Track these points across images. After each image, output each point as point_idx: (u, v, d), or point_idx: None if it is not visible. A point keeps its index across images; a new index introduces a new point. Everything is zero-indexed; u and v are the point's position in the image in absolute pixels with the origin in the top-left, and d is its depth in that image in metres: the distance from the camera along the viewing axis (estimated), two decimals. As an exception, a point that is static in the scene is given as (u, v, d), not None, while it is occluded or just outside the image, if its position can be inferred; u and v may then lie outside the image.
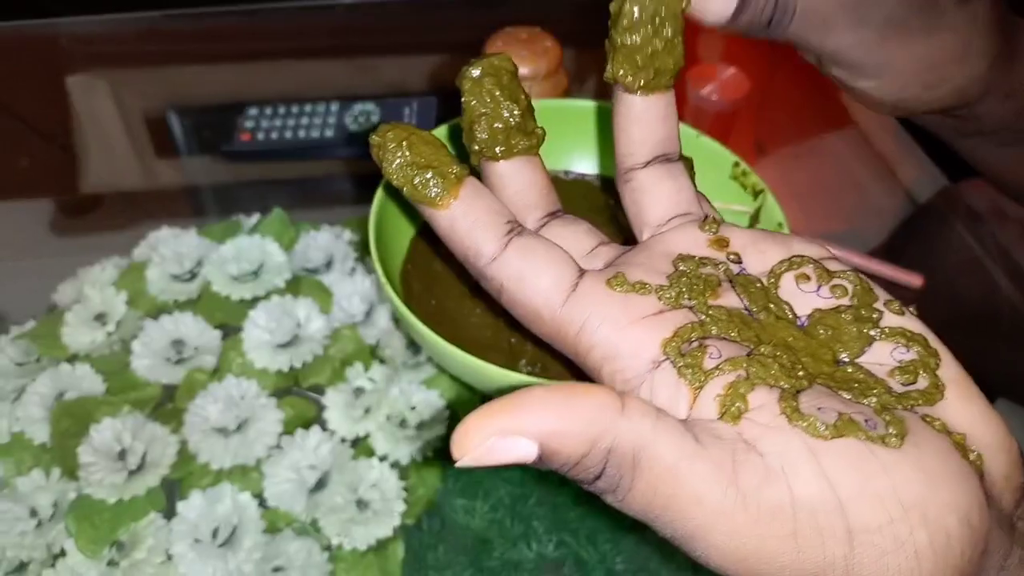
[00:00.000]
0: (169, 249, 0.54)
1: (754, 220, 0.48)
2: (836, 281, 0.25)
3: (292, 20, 0.86)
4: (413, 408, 0.48)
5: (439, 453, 0.47)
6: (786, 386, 0.22)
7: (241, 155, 0.67)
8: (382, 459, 0.46)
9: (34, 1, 0.86)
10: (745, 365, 0.22)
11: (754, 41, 0.38)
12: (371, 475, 0.45)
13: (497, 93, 0.27)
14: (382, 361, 0.51)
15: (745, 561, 0.20)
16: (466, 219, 0.25)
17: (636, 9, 0.26)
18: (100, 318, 0.51)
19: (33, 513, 0.43)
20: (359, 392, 0.49)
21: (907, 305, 0.25)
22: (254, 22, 0.85)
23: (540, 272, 0.25)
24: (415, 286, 0.47)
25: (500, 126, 0.28)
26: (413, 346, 0.51)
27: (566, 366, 0.42)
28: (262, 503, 0.44)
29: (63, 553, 0.42)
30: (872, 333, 0.24)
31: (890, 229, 0.69)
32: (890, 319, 0.24)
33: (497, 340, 0.45)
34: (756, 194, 0.48)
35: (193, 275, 0.54)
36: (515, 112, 0.28)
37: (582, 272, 0.25)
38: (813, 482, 0.20)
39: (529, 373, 0.41)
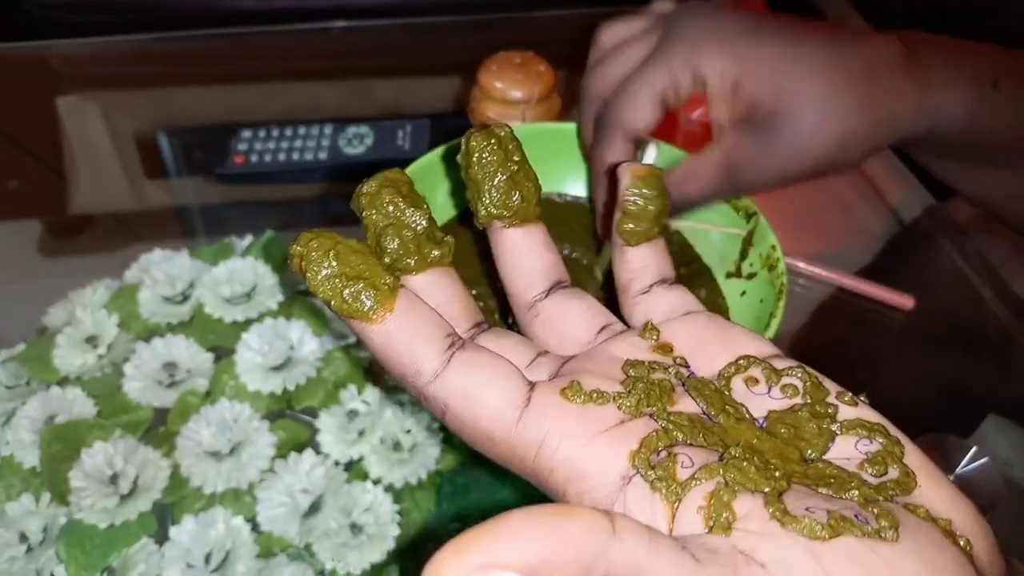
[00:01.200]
0: (161, 271, 0.54)
1: (747, 242, 0.48)
2: (786, 380, 0.25)
3: (286, 43, 0.86)
4: (408, 431, 0.48)
5: (433, 476, 0.47)
6: (767, 489, 0.21)
7: (235, 177, 0.67)
8: (376, 482, 0.46)
9: (26, 23, 0.86)
10: (722, 472, 0.21)
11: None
12: (365, 499, 0.45)
13: (400, 201, 0.26)
14: (375, 383, 0.51)
15: None
16: (403, 333, 0.23)
17: (480, 145, 0.27)
18: (91, 341, 0.51)
19: (23, 538, 0.43)
20: (352, 415, 0.49)
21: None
22: (247, 44, 0.85)
23: (488, 388, 0.23)
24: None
25: (409, 234, 0.26)
26: (407, 368, 0.51)
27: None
28: (255, 527, 0.44)
29: (53, 579, 0.42)
30: (833, 428, 0.24)
31: (877, 249, 0.69)
32: (845, 411, 0.24)
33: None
34: (749, 216, 0.48)
35: (185, 297, 0.53)
36: (421, 219, 0.26)
37: (532, 384, 0.24)
38: None
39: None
